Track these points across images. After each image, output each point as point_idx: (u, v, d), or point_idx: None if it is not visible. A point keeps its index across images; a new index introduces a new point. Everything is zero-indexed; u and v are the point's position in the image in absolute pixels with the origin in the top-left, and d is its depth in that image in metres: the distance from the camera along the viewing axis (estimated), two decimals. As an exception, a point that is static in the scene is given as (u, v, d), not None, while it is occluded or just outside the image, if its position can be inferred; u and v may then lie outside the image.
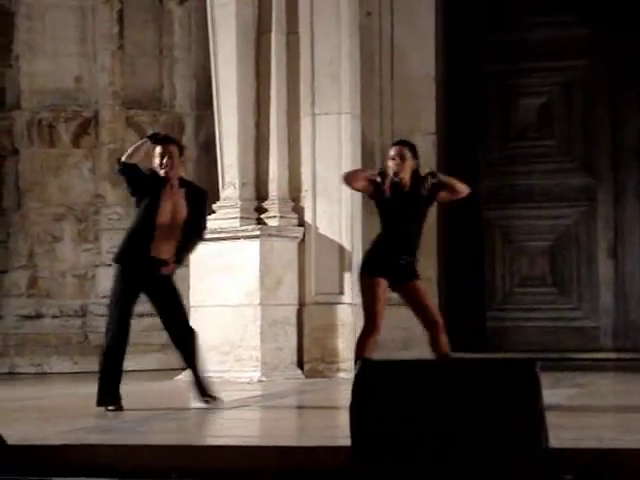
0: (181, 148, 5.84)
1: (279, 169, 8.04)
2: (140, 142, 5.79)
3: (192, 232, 5.83)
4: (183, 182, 5.83)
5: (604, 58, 8.88)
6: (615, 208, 8.87)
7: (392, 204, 5.83)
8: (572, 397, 6.08)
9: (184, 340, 5.85)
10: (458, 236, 8.83)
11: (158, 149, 5.72)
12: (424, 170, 6.04)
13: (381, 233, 5.89)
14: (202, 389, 5.85)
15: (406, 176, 5.81)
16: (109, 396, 5.76)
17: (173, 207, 5.71)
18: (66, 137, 9.16)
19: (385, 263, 5.80)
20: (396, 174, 5.78)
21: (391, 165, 5.82)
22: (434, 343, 5.83)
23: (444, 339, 5.81)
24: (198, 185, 6.08)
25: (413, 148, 5.92)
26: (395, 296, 8.61)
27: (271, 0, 8.00)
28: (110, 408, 5.72)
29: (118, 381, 5.83)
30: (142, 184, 5.71)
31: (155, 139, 5.78)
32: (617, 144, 8.88)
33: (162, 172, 5.67)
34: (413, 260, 5.86)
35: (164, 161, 5.65)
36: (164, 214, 5.70)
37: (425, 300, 5.87)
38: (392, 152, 5.88)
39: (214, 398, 5.82)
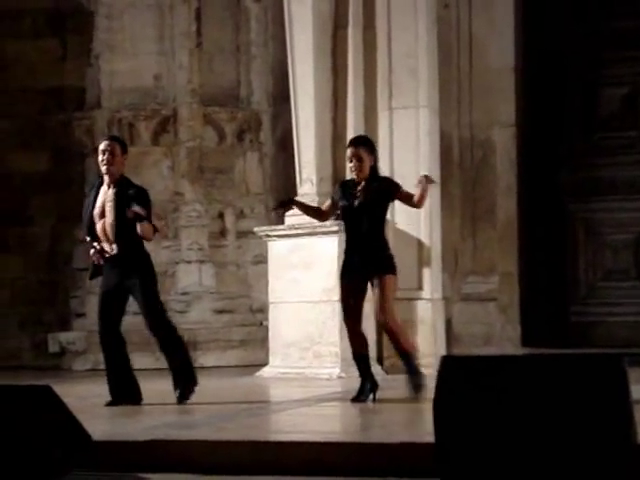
0: (124, 146, 6.14)
1: (356, 164, 8.00)
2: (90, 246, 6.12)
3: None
4: (121, 180, 6.04)
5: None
6: (702, 199, 8.65)
7: (345, 201, 6.02)
8: (659, 393, 5.94)
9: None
10: (539, 230, 8.69)
11: (101, 145, 6.07)
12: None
13: (345, 234, 6.12)
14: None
15: (366, 175, 5.99)
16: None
17: (103, 204, 6.01)
18: (146, 135, 9.24)
19: (351, 264, 6.01)
20: (357, 176, 5.99)
21: (350, 166, 6.03)
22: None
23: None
24: (136, 184, 6.20)
25: (368, 145, 6.10)
26: (473, 292, 8.54)
27: (348, -5, 7.98)
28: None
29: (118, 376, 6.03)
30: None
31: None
32: (703, 133, 8.65)
33: (104, 168, 6.01)
34: (380, 255, 5.97)
35: (105, 157, 5.99)
36: (97, 210, 6.05)
37: (378, 295, 5.93)
38: (349, 153, 6.06)
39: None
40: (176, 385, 6.03)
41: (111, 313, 6.08)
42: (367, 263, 5.96)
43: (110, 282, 6.03)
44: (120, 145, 6.09)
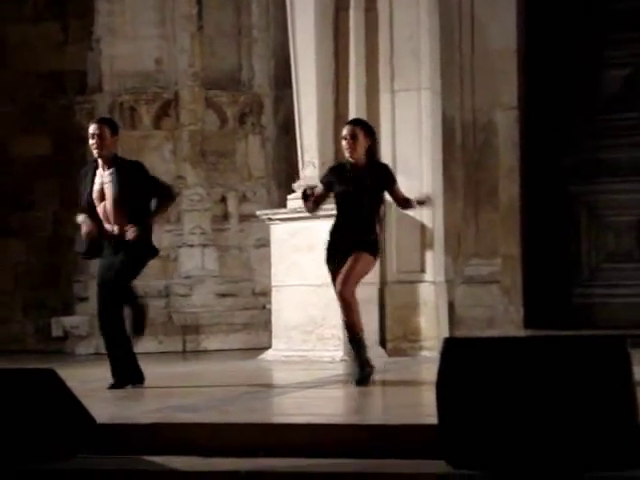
0: (114, 127, 6.10)
1: (358, 147, 7.99)
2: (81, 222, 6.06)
3: (157, 197, 6.01)
4: (115, 160, 6.02)
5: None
6: None
7: (344, 186, 5.99)
8: (662, 374, 5.95)
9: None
10: (542, 212, 8.69)
11: (90, 129, 6.04)
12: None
13: (336, 216, 6.08)
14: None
15: (360, 155, 5.96)
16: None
17: (101, 186, 5.99)
18: (147, 119, 9.23)
19: (337, 246, 5.99)
20: (350, 155, 5.97)
21: (344, 144, 6.02)
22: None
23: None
24: (130, 160, 6.21)
25: (366, 127, 6.09)
26: (476, 275, 8.54)
27: (349, -23, 7.95)
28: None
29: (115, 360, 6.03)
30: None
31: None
32: None
33: (95, 152, 6.00)
34: (366, 237, 5.97)
35: (94, 141, 5.98)
36: (96, 193, 6.02)
37: (347, 267, 5.91)
38: (344, 132, 6.07)
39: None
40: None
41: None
42: (351, 246, 5.95)
43: (107, 263, 6.01)
44: (109, 127, 6.06)
